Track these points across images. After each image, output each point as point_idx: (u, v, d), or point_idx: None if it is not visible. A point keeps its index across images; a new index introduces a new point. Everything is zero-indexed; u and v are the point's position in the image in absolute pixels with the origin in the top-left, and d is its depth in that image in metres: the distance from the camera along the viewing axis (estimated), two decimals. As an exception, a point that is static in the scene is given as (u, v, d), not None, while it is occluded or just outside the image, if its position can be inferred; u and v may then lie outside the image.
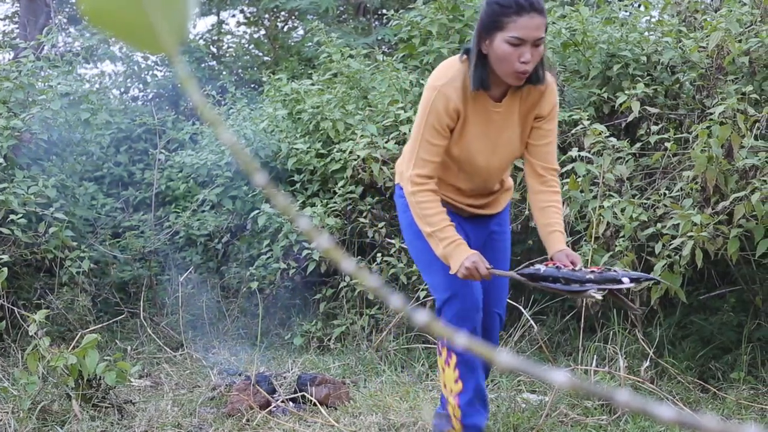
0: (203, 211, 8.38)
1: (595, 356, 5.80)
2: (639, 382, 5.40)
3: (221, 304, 8.17)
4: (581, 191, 6.16)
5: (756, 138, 5.83)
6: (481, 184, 4.21)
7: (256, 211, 7.77)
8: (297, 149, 7.92)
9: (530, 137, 4.11)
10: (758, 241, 5.42)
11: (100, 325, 7.19)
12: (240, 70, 13.74)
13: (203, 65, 12.46)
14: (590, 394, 0.67)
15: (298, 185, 7.96)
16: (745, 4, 6.51)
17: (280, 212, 7.59)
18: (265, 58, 14.49)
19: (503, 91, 3.99)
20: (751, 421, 5.14)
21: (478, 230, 4.35)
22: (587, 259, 5.95)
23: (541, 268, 3.77)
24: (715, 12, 6.86)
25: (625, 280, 3.64)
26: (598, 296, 3.64)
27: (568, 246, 4.12)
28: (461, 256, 3.88)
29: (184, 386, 6.36)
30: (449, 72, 3.98)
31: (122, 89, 11.38)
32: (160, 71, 11.34)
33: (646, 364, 5.63)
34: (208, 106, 0.74)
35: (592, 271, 3.67)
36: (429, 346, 6.64)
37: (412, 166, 3.98)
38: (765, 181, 5.41)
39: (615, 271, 3.73)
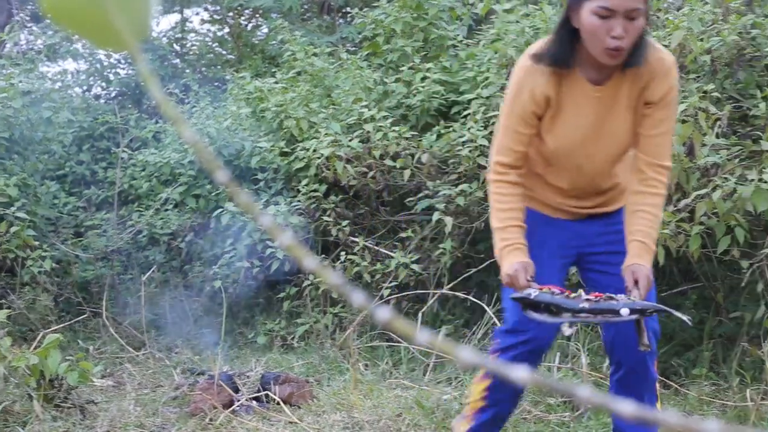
0: (166, 210, 8.34)
1: (557, 353, 5.82)
2: (601, 378, 5.43)
3: (184, 304, 8.14)
4: (544, 189, 6.18)
5: (717, 136, 5.86)
6: (587, 182, 3.66)
7: (220, 210, 7.74)
8: (260, 148, 7.91)
9: (641, 126, 3.51)
10: (720, 238, 5.46)
11: (62, 325, 7.15)
12: (203, 69, 13.69)
13: (166, 63, 12.40)
14: (552, 391, 0.67)
15: (261, 184, 7.94)
16: (707, 3, 6.55)
17: (243, 210, 7.58)
18: (229, 57, 14.44)
19: (607, 72, 3.44)
20: (712, 416, 5.18)
21: (589, 228, 3.75)
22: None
23: (532, 292, 3.27)
24: (678, 11, 6.89)
25: (624, 311, 3.15)
26: (567, 332, 3.23)
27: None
28: (510, 261, 3.44)
29: (147, 386, 6.34)
30: (536, 50, 3.50)
31: (85, 87, 11.32)
32: (123, 69, 11.28)
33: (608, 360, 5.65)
34: (170, 103, 0.74)
35: (588, 299, 3.20)
36: (393, 344, 6.65)
37: (496, 152, 3.57)
38: (726, 179, 5.45)
39: (617, 299, 3.23)
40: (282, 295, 7.70)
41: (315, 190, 7.58)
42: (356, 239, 7.32)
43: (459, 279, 6.99)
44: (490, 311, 6.38)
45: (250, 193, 7.84)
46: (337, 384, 6.09)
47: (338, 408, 5.49)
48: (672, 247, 5.45)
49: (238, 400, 5.60)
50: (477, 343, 6.57)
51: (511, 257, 3.43)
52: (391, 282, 7.01)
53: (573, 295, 3.24)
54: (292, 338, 7.34)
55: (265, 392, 5.68)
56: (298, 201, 7.57)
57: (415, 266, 6.94)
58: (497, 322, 6.33)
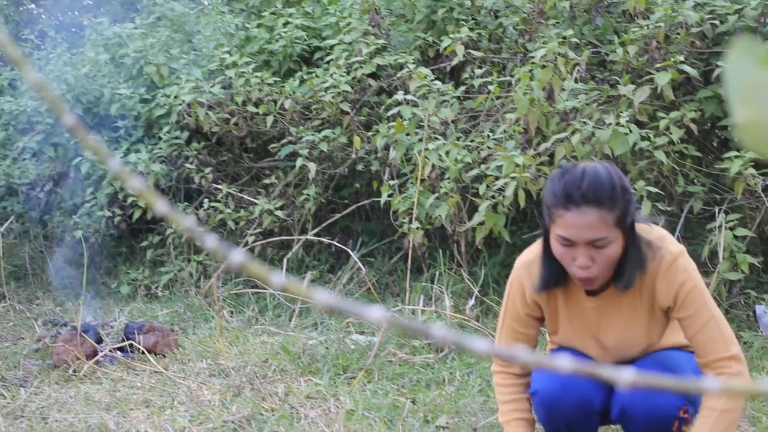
0: (24, 159, 8.15)
1: (422, 296, 5.89)
2: (465, 320, 5.51)
3: (45, 254, 8.00)
4: (407, 134, 6.22)
5: (576, 81, 5.97)
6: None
7: (79, 159, 7.60)
8: (120, 94, 7.76)
9: (683, 331, 3.08)
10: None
11: None
12: (60, 14, 13.35)
13: (22, 8, 12.06)
14: (407, 330, 0.68)
15: (122, 131, 7.80)
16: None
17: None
18: (87, 2, 14.12)
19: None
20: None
21: None
22: (414, 201, 6.02)
23: None
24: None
25: None
26: None
27: None
28: None
29: (8, 339, 6.22)
30: (534, 251, 3.17)
31: (-66, 33, 10.94)
32: (-25, 15, 10.95)
33: (471, 302, 5.74)
34: (14, 46, 0.72)
35: None
36: (258, 291, 6.64)
37: (497, 342, 3.33)
38: (585, 122, 5.56)
39: None
40: (145, 243, 7.62)
41: (177, 137, 7.49)
42: (219, 186, 7.27)
43: (323, 225, 7.01)
44: (354, 256, 6.41)
45: (109, 141, 7.71)
46: (202, 332, 6.06)
47: (204, 356, 5.48)
48: (532, 189, 5.55)
49: (102, 351, 5.54)
50: (342, 288, 6.61)
51: None
52: (255, 229, 6.99)
53: None
54: (156, 287, 7.28)
55: (129, 342, 5.63)
56: (160, 148, 7.47)
57: (279, 213, 6.93)
58: (362, 266, 6.37)
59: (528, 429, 3.29)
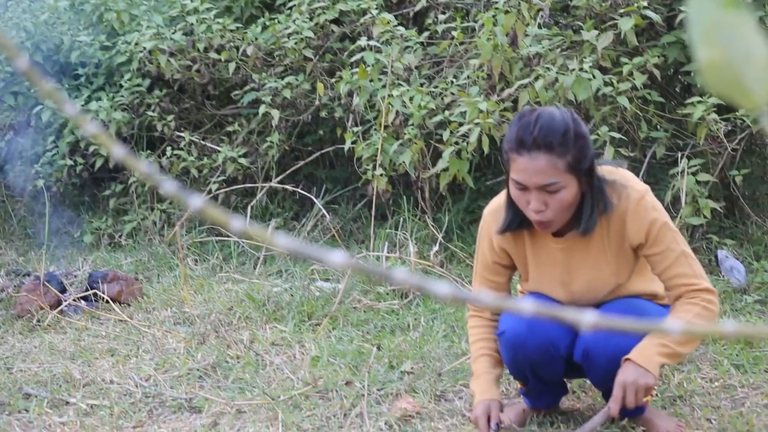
0: (-17, 108, 8.06)
1: (386, 243, 5.90)
2: (429, 266, 5.52)
3: (6, 204, 7.94)
4: (370, 80, 6.19)
5: (540, 26, 5.96)
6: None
7: (40, 107, 7.52)
8: (80, 42, 7.66)
9: (652, 268, 3.16)
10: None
11: None
12: (17, -40, 13.17)
13: (-23, -46, 11.87)
14: (370, 275, 0.67)
15: (82, 79, 7.72)
16: None
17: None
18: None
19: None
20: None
21: None
22: (377, 148, 6.01)
23: None
24: None
25: None
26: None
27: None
28: (478, 396, 3.31)
29: (-30, 289, 6.19)
30: (501, 198, 3.26)
31: None
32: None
33: (436, 248, 5.75)
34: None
35: None
36: (222, 239, 6.61)
37: (473, 289, 3.49)
38: (548, 68, 5.56)
39: None
40: (107, 192, 7.57)
41: (138, 85, 7.42)
42: (182, 134, 7.22)
43: (287, 172, 6.99)
44: (318, 203, 6.40)
45: (70, 89, 7.63)
46: (167, 280, 6.05)
47: (169, 304, 5.47)
48: (496, 135, 5.55)
49: (66, 300, 5.51)
50: (307, 235, 6.61)
51: (480, 391, 3.31)
52: (218, 177, 6.96)
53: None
54: (120, 236, 7.25)
55: (93, 291, 5.61)
56: (121, 96, 7.40)
57: (242, 160, 6.90)
58: (326, 213, 6.36)
59: (493, 364, 3.38)
